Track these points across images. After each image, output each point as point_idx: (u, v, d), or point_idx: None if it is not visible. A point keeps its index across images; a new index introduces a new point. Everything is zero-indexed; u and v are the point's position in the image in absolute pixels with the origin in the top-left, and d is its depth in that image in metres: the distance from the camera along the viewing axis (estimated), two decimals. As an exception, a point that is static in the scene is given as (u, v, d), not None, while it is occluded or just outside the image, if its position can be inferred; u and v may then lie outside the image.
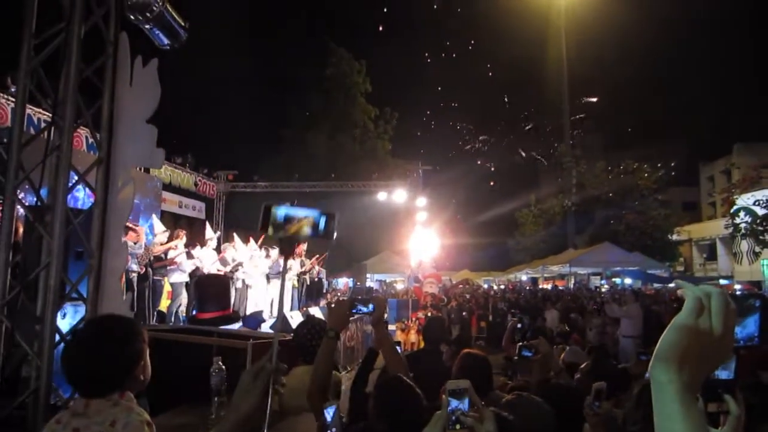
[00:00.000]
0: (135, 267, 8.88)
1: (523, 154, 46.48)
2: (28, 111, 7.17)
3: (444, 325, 6.88)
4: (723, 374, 1.10)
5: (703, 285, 0.91)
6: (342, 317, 2.74)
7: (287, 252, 1.53)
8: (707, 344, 0.86)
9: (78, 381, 1.95)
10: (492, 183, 47.89)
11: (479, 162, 47.75)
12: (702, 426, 0.83)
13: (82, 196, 8.28)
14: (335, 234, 1.49)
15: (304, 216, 1.47)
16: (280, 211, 1.47)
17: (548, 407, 2.24)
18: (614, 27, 44.16)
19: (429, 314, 14.39)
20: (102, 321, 2.17)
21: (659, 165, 35.94)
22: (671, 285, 23.75)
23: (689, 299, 0.88)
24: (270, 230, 1.49)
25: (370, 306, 2.68)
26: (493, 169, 48.16)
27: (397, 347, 3.06)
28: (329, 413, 2.31)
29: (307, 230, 1.47)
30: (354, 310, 2.68)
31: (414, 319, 15.56)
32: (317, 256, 17.31)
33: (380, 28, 40.08)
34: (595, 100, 46.49)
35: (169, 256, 9.97)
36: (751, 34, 56.08)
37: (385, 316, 2.88)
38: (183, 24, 4.14)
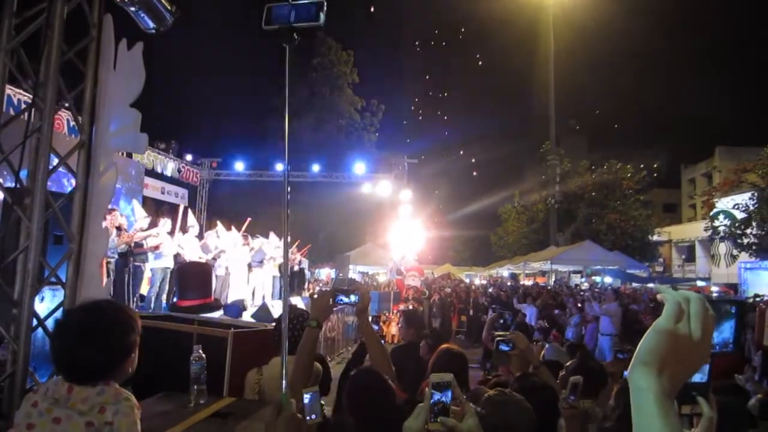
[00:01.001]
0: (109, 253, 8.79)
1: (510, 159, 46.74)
2: (8, 92, 7.04)
3: (422, 318, 6.92)
4: (697, 377, 1.12)
5: (682, 290, 0.92)
6: (324, 308, 2.73)
7: (290, 42, 1.76)
8: (686, 349, 0.87)
9: (68, 366, 1.89)
10: (475, 173, 47.98)
11: (462, 153, 47.69)
12: (677, 429, 0.84)
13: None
14: (323, 17, 1.73)
15: (297, 6, 1.73)
16: (278, 9, 1.73)
17: (528, 404, 2.25)
18: (601, 28, 44.41)
19: (410, 307, 14.46)
20: (104, 308, 2.06)
21: (642, 166, 36.30)
22: (650, 285, 24.06)
23: (669, 304, 0.89)
24: (271, 24, 1.74)
25: (353, 297, 2.66)
26: (474, 160, 48.25)
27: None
28: (307, 397, 2.30)
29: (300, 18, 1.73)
30: (337, 300, 2.66)
31: (395, 311, 15.61)
32: (298, 242, 17.21)
33: (371, 10, 39.72)
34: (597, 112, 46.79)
35: (150, 244, 9.87)
36: (736, 38, 56.73)
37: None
38: (170, 8, 4.08)
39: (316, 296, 2.73)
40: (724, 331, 1.04)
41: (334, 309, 2.71)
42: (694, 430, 1.14)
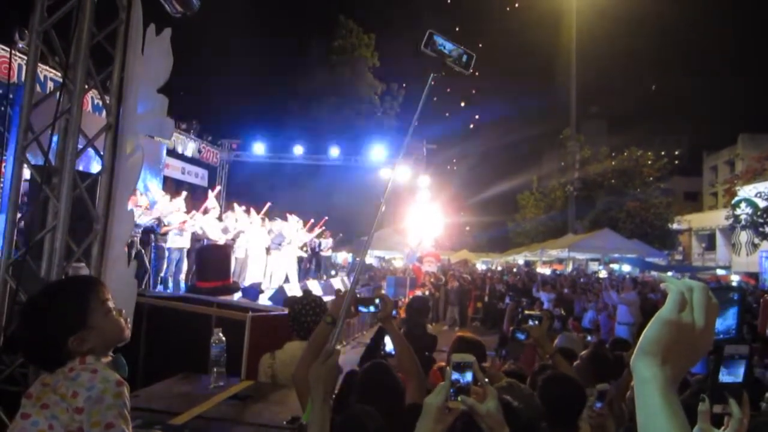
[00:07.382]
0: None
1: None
2: (35, 71, 7.09)
3: (427, 304, 6.93)
4: (729, 378, 1.12)
5: (685, 279, 0.93)
6: (342, 308, 2.73)
7: (438, 69, 1.99)
8: (689, 339, 0.88)
9: (26, 357, 1.84)
10: (494, 159, 47.37)
11: (481, 139, 47.08)
12: (683, 421, 0.85)
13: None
14: (470, 69, 1.96)
15: (453, 48, 1.98)
16: (438, 38, 1.96)
17: (537, 400, 2.25)
18: (624, 13, 43.34)
19: (426, 293, 14.49)
20: (38, 294, 1.91)
21: (663, 153, 35.81)
22: (669, 274, 23.84)
23: (672, 293, 0.89)
24: (428, 50, 1.95)
25: (372, 308, 2.58)
26: (493, 146, 47.64)
27: None
28: None
29: (452, 57, 1.97)
30: (359, 309, 2.60)
31: (411, 297, 15.63)
32: (322, 222, 16.87)
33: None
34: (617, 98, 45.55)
35: (174, 223, 9.92)
36: (762, 23, 55.35)
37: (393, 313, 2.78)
38: (196, -8, 4.08)
39: (339, 295, 2.69)
40: (728, 318, 1.04)
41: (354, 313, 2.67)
42: (724, 430, 1.13)
